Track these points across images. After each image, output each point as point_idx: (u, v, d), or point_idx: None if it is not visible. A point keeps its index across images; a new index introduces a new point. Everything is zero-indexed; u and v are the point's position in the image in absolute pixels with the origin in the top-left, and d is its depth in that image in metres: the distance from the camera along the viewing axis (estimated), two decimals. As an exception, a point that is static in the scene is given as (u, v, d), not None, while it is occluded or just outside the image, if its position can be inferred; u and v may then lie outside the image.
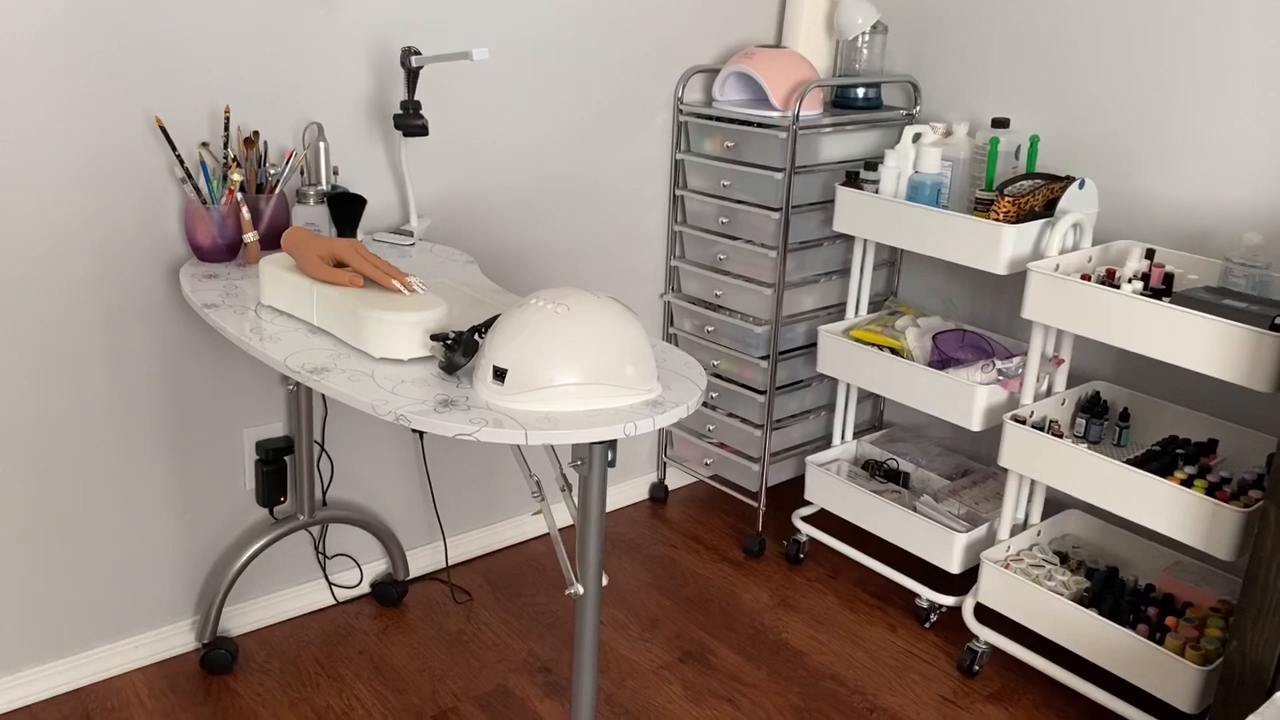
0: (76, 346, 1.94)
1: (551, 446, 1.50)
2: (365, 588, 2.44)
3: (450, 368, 1.44)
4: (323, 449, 2.29)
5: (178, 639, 2.20)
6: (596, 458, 1.43)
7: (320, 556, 2.36)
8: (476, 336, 1.45)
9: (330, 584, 2.39)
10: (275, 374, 2.19)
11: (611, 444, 1.41)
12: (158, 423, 2.07)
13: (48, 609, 2.03)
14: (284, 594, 2.32)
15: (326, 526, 2.35)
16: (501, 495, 2.65)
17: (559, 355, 1.35)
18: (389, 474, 2.42)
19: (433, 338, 1.47)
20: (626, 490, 2.91)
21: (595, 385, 1.36)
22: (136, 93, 1.88)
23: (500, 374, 1.36)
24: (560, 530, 2.74)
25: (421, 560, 2.53)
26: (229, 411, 2.15)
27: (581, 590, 1.50)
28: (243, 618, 2.27)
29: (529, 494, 2.69)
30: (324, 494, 2.32)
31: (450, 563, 2.58)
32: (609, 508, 2.87)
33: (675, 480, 3.00)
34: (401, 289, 1.56)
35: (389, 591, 2.40)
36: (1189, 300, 1.89)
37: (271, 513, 2.25)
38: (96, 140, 1.86)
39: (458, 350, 1.43)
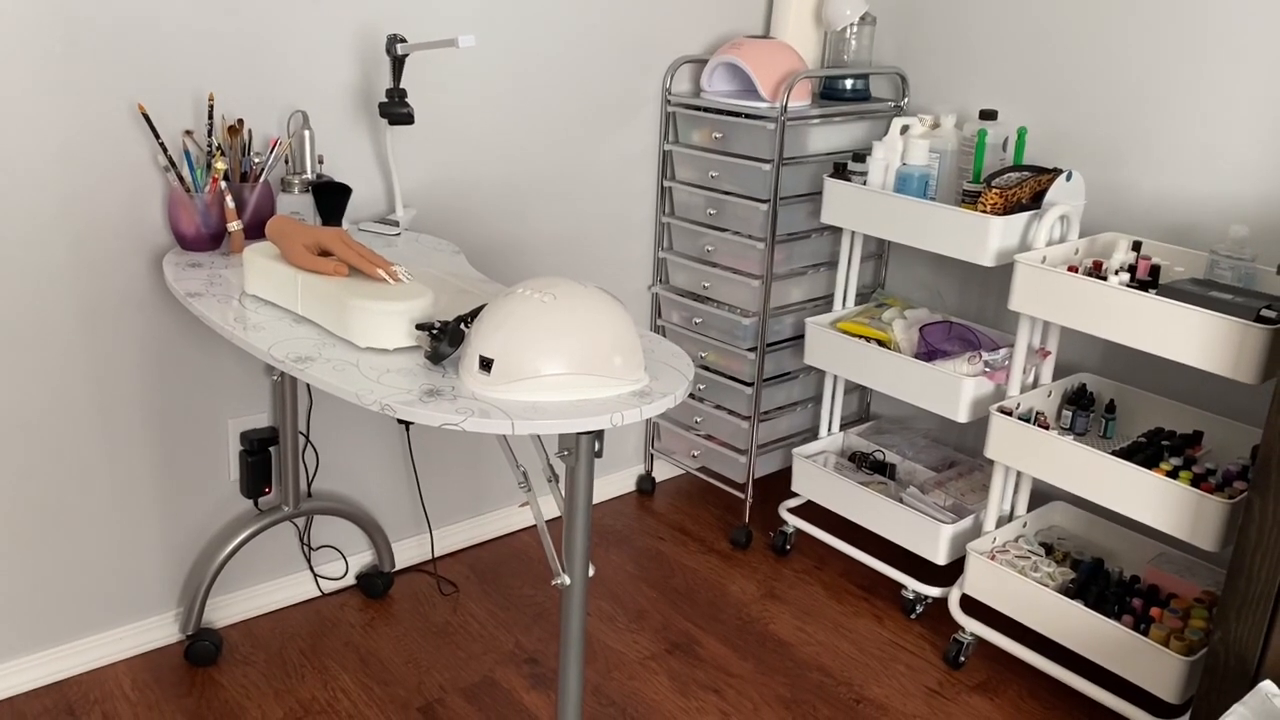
0: (58, 336, 1.92)
1: (538, 437, 1.49)
2: (351, 579, 2.43)
3: (436, 357, 1.43)
4: (308, 440, 2.28)
5: (161, 631, 2.18)
6: (583, 448, 1.42)
7: (305, 548, 2.35)
8: (462, 326, 1.44)
9: (315, 575, 2.38)
10: (259, 364, 2.18)
11: (598, 434, 1.41)
12: (141, 413, 2.05)
13: (30, 600, 2.02)
14: (269, 586, 2.31)
15: (311, 518, 2.34)
16: (488, 487, 2.64)
17: (546, 345, 1.34)
18: (375, 465, 2.41)
19: (418, 327, 1.46)
20: (614, 482, 2.90)
21: (582, 375, 1.36)
22: (119, 80, 1.86)
23: (486, 364, 1.35)
24: (547, 521, 2.74)
25: (408, 552, 2.52)
26: (213, 402, 2.14)
27: (568, 581, 1.50)
28: (227, 609, 2.26)
29: (516, 485, 2.69)
30: (309, 485, 2.31)
31: (436, 554, 2.57)
32: (596, 499, 2.87)
33: (662, 472, 2.99)
34: (386, 278, 1.55)
35: (375, 583, 2.39)
36: (1175, 292, 1.89)
37: (256, 504, 2.23)
38: (78, 128, 1.84)
39: (443, 340, 1.42)
